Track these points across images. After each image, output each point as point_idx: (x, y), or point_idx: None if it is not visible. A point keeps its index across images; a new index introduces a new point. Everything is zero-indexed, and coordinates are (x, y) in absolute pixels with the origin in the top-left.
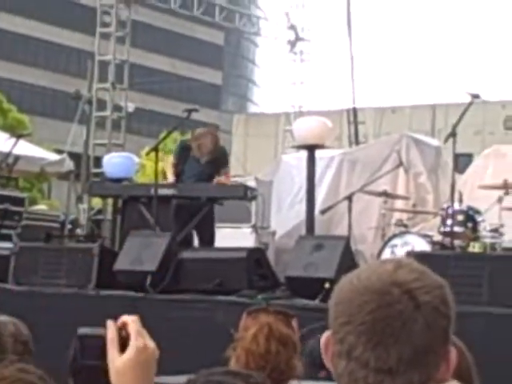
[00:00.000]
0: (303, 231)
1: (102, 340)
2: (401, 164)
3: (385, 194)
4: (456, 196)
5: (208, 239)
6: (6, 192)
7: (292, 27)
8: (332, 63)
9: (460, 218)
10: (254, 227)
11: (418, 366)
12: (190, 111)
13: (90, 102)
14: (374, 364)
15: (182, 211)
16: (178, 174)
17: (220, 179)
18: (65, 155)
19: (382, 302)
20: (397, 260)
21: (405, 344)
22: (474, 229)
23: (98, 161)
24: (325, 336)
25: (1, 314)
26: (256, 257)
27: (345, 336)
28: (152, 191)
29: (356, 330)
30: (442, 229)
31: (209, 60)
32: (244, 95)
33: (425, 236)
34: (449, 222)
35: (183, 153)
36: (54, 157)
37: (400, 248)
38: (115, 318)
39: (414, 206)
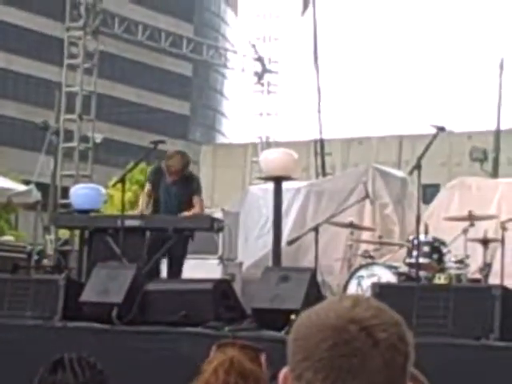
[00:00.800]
0: (270, 262)
1: None
2: (367, 195)
3: (351, 225)
4: (422, 227)
5: (176, 271)
6: None
7: (259, 59)
8: (299, 95)
9: (426, 249)
10: (221, 258)
11: None
12: (156, 143)
13: (57, 133)
14: None
15: (156, 243)
16: (156, 200)
17: (186, 214)
18: (32, 186)
19: (339, 339)
20: (355, 297)
21: (362, 381)
22: (440, 260)
23: (65, 191)
24: (283, 372)
25: None
26: (222, 288)
27: (302, 372)
28: (119, 222)
29: (313, 366)
30: (408, 260)
31: (177, 91)
32: (212, 126)
33: (391, 267)
34: (414, 253)
35: (156, 176)
36: (21, 187)
37: (366, 279)
38: (81, 349)
39: (380, 237)
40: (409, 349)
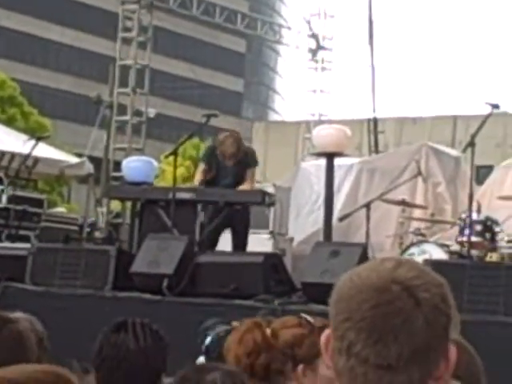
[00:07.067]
0: (321, 238)
1: None
2: (419, 173)
3: (403, 202)
4: (474, 206)
5: (242, 245)
6: (25, 193)
7: (313, 36)
8: (353, 72)
9: (478, 228)
10: (272, 233)
11: (418, 362)
12: (209, 116)
13: (110, 107)
14: (373, 360)
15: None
16: (211, 180)
17: (241, 188)
18: (84, 158)
19: (381, 300)
20: (397, 258)
21: (405, 341)
22: (492, 239)
23: (117, 165)
24: (325, 333)
25: (16, 312)
26: (273, 262)
27: (344, 333)
28: (170, 195)
29: (356, 326)
30: (460, 238)
31: (230, 67)
32: (265, 103)
33: (442, 245)
34: (466, 231)
35: (211, 157)
36: (74, 159)
37: (417, 257)
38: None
39: (432, 215)
40: (451, 310)
